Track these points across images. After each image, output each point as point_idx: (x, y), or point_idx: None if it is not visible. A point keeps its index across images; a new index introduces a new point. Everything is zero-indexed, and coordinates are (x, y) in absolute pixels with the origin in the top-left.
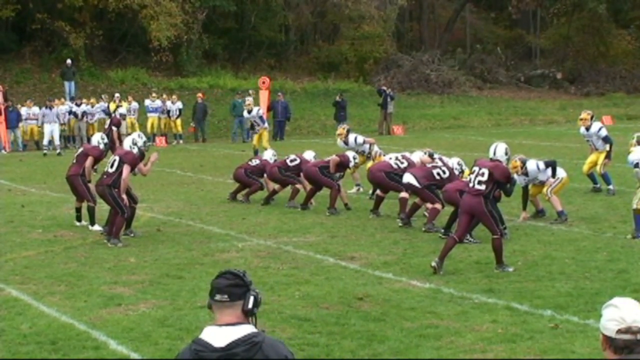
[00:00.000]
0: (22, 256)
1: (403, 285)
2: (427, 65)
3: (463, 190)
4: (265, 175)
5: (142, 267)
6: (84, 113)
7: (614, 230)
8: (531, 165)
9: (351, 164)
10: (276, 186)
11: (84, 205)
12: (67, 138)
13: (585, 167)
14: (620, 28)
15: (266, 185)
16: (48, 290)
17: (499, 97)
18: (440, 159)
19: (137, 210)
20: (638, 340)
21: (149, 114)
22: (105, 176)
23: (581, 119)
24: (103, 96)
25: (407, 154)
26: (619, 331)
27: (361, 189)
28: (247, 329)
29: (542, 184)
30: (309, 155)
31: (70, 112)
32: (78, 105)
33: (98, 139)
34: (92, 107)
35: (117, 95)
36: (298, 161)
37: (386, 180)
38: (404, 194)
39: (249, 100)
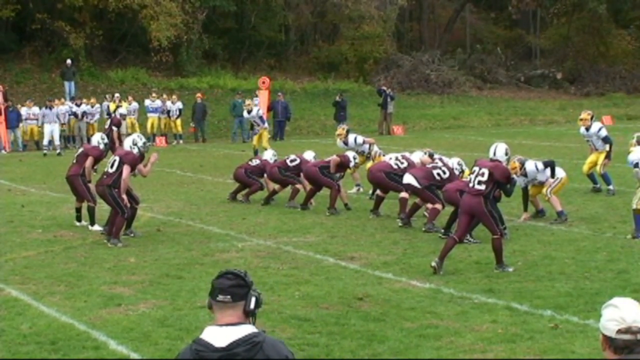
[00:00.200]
0: (22, 256)
1: (403, 285)
2: (427, 66)
3: (463, 190)
4: (265, 175)
5: (142, 267)
6: (84, 113)
7: (614, 230)
8: (530, 166)
9: (351, 164)
10: (276, 186)
11: (84, 205)
12: (67, 138)
13: (585, 167)
14: (620, 28)
15: (266, 186)
16: (48, 290)
17: (498, 97)
18: (441, 159)
19: (137, 210)
20: (638, 340)
21: (149, 114)
22: (105, 176)
23: (581, 119)
24: (107, 96)
25: (407, 154)
26: (619, 331)
27: (361, 189)
28: (247, 329)
29: (542, 184)
30: (309, 155)
31: (71, 113)
32: (78, 105)
33: (98, 139)
34: (92, 107)
35: (117, 95)
36: (298, 161)
37: (386, 181)
38: (404, 194)
39: (249, 100)
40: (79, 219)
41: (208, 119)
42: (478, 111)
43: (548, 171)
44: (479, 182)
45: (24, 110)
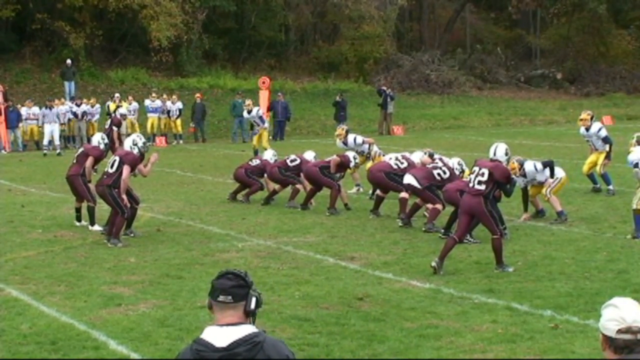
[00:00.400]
0: (22, 256)
1: (403, 285)
2: (427, 66)
3: (463, 190)
4: (265, 175)
5: (142, 267)
6: (84, 113)
7: (614, 230)
8: (529, 166)
9: (352, 164)
10: (276, 186)
11: (84, 205)
12: (67, 138)
13: (585, 168)
14: (620, 28)
15: (266, 186)
16: (48, 290)
17: (499, 97)
18: (441, 159)
19: (138, 210)
20: (638, 340)
21: (149, 114)
22: (105, 176)
23: (581, 119)
24: (112, 96)
25: (407, 154)
26: (619, 331)
27: (361, 189)
28: (248, 329)
29: (541, 184)
30: (309, 155)
31: (71, 113)
32: (78, 105)
33: (98, 139)
34: (92, 107)
35: (117, 95)
36: (298, 161)
37: (386, 181)
38: (404, 194)
39: (249, 100)
40: (78, 219)
41: (208, 119)
42: (478, 111)
43: (547, 171)
44: (479, 182)
45: (24, 110)
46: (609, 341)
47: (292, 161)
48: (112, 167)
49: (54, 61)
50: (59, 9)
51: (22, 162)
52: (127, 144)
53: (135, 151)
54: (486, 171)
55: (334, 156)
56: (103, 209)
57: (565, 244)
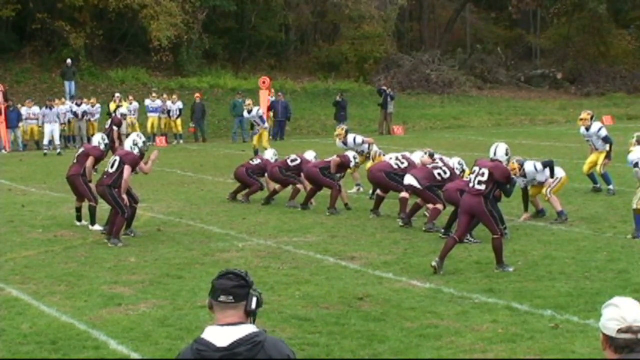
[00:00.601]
0: (22, 256)
1: (403, 285)
2: (428, 65)
3: (463, 190)
4: (266, 175)
5: (142, 267)
6: (84, 113)
7: (615, 230)
8: (529, 166)
9: (352, 164)
10: (277, 186)
11: (85, 205)
12: (68, 138)
13: (586, 168)
14: (621, 28)
15: (267, 186)
16: (48, 290)
17: (499, 97)
18: (441, 160)
19: (138, 210)
20: (638, 340)
21: (149, 114)
22: (105, 176)
23: (581, 119)
24: (122, 95)
25: (407, 154)
26: (620, 331)
27: (361, 189)
28: (249, 329)
29: (542, 184)
30: (309, 155)
31: (72, 113)
32: (78, 105)
33: (99, 139)
34: (93, 107)
35: (117, 95)
36: (299, 161)
37: (386, 181)
38: (404, 194)
39: (249, 100)
40: (79, 218)
41: (208, 119)
42: (478, 111)
43: (547, 171)
44: (479, 182)
45: (24, 110)
46: (609, 341)
47: (292, 161)
48: (112, 167)
49: (55, 61)
50: (59, 9)
51: (22, 162)
52: (128, 144)
53: (136, 151)
54: (486, 171)
55: (334, 157)
56: (104, 208)
57: (565, 244)
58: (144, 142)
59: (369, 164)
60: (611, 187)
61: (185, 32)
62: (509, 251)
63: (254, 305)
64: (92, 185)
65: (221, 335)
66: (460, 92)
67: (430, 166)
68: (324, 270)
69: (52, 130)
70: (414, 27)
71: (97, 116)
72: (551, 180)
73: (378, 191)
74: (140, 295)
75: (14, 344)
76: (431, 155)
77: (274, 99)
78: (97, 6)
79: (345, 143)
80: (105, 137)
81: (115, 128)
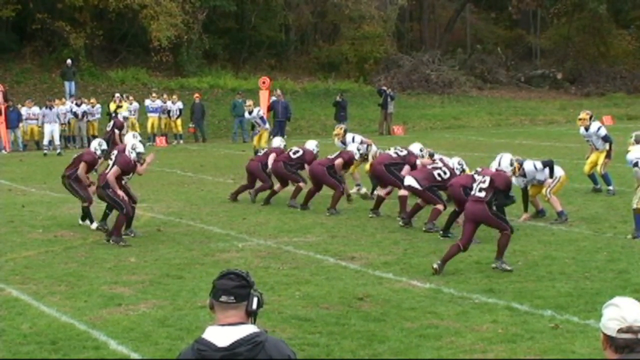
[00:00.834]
0: (22, 256)
1: (403, 285)
2: (428, 66)
3: (467, 187)
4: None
5: (142, 267)
6: (84, 113)
7: (614, 230)
8: (528, 166)
9: (357, 156)
10: (276, 186)
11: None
12: (68, 138)
13: (587, 168)
14: (621, 28)
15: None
16: (48, 290)
17: (499, 97)
18: (441, 160)
19: (138, 210)
20: (639, 340)
21: (149, 114)
22: (101, 177)
23: (580, 119)
24: (126, 95)
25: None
26: (620, 330)
27: (362, 190)
28: (249, 329)
29: (541, 184)
30: (310, 145)
31: (72, 113)
32: (78, 105)
33: (95, 144)
34: (93, 107)
35: (117, 95)
36: (301, 152)
37: (386, 175)
38: (402, 192)
39: (250, 101)
40: (83, 218)
41: (208, 119)
42: (478, 111)
43: (547, 171)
44: (480, 189)
45: (24, 110)
46: (609, 340)
47: (294, 153)
48: (109, 168)
49: (54, 61)
50: (59, 9)
51: (22, 162)
52: (128, 146)
53: (133, 155)
54: (488, 178)
55: (339, 159)
56: (100, 208)
57: (565, 244)
58: (137, 154)
59: (368, 166)
60: (611, 187)
61: (185, 32)
62: (509, 251)
63: (254, 306)
64: (93, 187)
65: (222, 335)
66: (460, 92)
67: (429, 167)
68: (323, 270)
69: (52, 131)
70: (413, 27)
71: (97, 116)
72: (550, 180)
73: (377, 191)
74: (140, 295)
75: (14, 344)
76: (431, 155)
77: (282, 98)
78: (97, 6)
79: (343, 142)
80: (103, 142)
81: (116, 131)
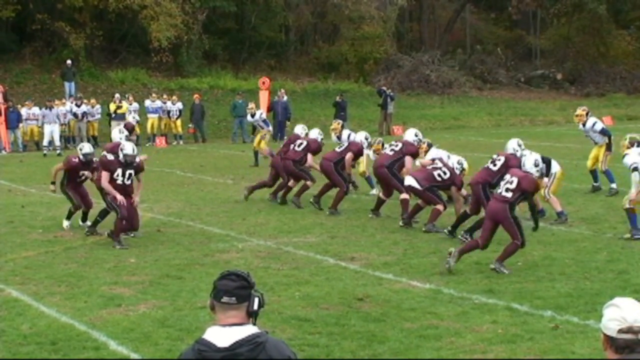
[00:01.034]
0: (22, 257)
1: (403, 285)
2: (427, 66)
3: (486, 183)
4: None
5: (142, 268)
6: (84, 113)
7: (614, 230)
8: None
9: (365, 145)
10: (290, 182)
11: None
12: (67, 138)
13: (589, 163)
14: (621, 28)
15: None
16: (48, 290)
17: (499, 97)
18: (440, 160)
19: (140, 211)
20: (639, 340)
21: (149, 115)
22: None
23: (577, 116)
24: (127, 95)
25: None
26: (620, 331)
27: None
28: (250, 329)
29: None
30: (314, 133)
31: (72, 113)
32: (78, 105)
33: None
34: (93, 107)
35: (117, 95)
36: (305, 143)
37: (390, 178)
38: (404, 195)
39: (252, 104)
40: (84, 219)
41: (208, 119)
42: (478, 112)
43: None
44: (507, 190)
45: (24, 111)
46: (610, 341)
47: (299, 145)
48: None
49: (54, 61)
50: (59, 10)
51: (22, 162)
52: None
53: (120, 156)
54: (515, 180)
55: (348, 154)
56: (98, 206)
57: (565, 245)
58: (124, 155)
59: (362, 165)
60: (614, 185)
61: (185, 32)
62: None
63: (255, 306)
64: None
65: (222, 336)
66: (460, 93)
67: (429, 167)
68: (323, 270)
69: (52, 131)
70: (413, 27)
71: (97, 117)
72: (546, 180)
73: (380, 194)
74: (140, 295)
75: (13, 344)
76: (429, 146)
77: (284, 97)
78: (97, 7)
79: (339, 137)
80: (123, 145)
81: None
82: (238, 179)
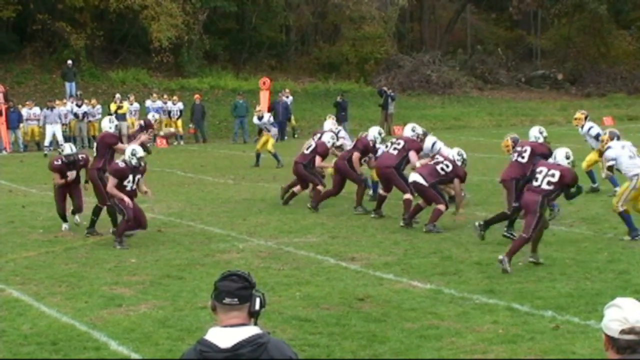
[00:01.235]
0: (22, 257)
1: (404, 285)
2: (428, 66)
3: (520, 177)
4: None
5: (143, 268)
6: (85, 114)
7: (615, 231)
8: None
9: (378, 140)
10: (296, 188)
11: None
12: (68, 139)
13: (584, 165)
14: (621, 29)
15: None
16: (49, 290)
17: (499, 97)
18: (440, 154)
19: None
20: None
21: (149, 115)
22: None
23: (575, 119)
24: (128, 96)
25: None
26: (622, 331)
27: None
28: (252, 330)
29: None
30: (327, 124)
31: (72, 114)
32: (79, 106)
33: (129, 154)
34: (93, 107)
35: (117, 95)
36: (314, 145)
37: (395, 177)
38: (408, 195)
39: (260, 107)
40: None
41: (208, 119)
42: (479, 112)
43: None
44: (548, 183)
45: (24, 111)
46: (611, 341)
47: (307, 148)
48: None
49: (55, 62)
50: (59, 10)
51: (22, 162)
52: (127, 153)
53: (134, 161)
54: (557, 173)
55: (355, 153)
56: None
57: (566, 245)
58: (138, 159)
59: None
60: (617, 188)
61: (186, 32)
62: None
63: (257, 306)
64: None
65: (224, 337)
66: (461, 93)
67: (431, 162)
68: (324, 270)
69: (54, 132)
70: (414, 27)
71: (98, 117)
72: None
73: (380, 191)
74: (141, 296)
75: (14, 344)
76: (424, 134)
77: (288, 97)
78: (98, 7)
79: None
80: (135, 150)
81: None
82: (239, 179)
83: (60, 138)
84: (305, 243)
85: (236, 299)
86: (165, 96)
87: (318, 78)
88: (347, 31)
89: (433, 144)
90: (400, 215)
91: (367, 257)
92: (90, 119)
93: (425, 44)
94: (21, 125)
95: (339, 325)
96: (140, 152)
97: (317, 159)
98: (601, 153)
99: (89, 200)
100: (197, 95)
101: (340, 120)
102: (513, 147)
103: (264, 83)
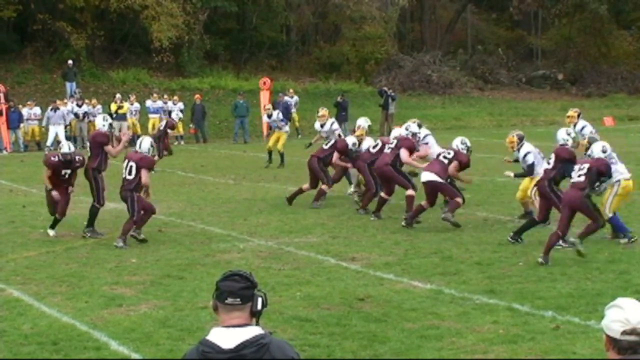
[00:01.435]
0: (23, 257)
1: (404, 286)
2: (429, 66)
3: (550, 180)
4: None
5: (143, 268)
6: (85, 114)
7: None
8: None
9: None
10: (304, 185)
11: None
12: (68, 139)
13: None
14: (622, 29)
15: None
16: (49, 290)
17: (500, 97)
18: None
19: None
20: None
21: (150, 115)
22: (126, 182)
23: (568, 117)
24: (130, 95)
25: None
26: (624, 332)
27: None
28: (254, 331)
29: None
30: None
31: (73, 114)
32: (79, 106)
33: (147, 145)
34: (94, 107)
35: (118, 95)
36: (333, 141)
37: (394, 175)
38: (410, 192)
39: (269, 105)
40: (52, 226)
41: (209, 119)
42: (479, 112)
43: (540, 168)
44: (579, 175)
45: (25, 111)
46: (613, 342)
47: (326, 144)
48: (130, 173)
49: (56, 62)
50: (60, 10)
51: (23, 162)
52: (144, 146)
53: (153, 154)
54: (587, 165)
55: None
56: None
57: None
58: (154, 148)
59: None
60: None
61: (186, 32)
62: (510, 252)
63: (259, 306)
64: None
65: (227, 337)
66: (461, 93)
67: (434, 156)
68: (324, 270)
69: (57, 132)
70: (415, 27)
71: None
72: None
73: (381, 193)
74: (141, 295)
75: (15, 344)
76: (419, 125)
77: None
78: (98, 7)
79: (322, 125)
80: (153, 142)
81: (169, 131)
82: (239, 179)
83: (62, 139)
84: (305, 243)
85: (238, 299)
86: (165, 96)
87: (318, 78)
88: (347, 31)
89: (425, 136)
90: (400, 215)
91: (368, 257)
92: (91, 118)
93: (425, 44)
94: (22, 125)
95: (339, 325)
96: (65, 149)
97: (335, 155)
98: None
99: (86, 199)
100: (197, 95)
101: (340, 120)
102: (518, 144)
103: (265, 83)
